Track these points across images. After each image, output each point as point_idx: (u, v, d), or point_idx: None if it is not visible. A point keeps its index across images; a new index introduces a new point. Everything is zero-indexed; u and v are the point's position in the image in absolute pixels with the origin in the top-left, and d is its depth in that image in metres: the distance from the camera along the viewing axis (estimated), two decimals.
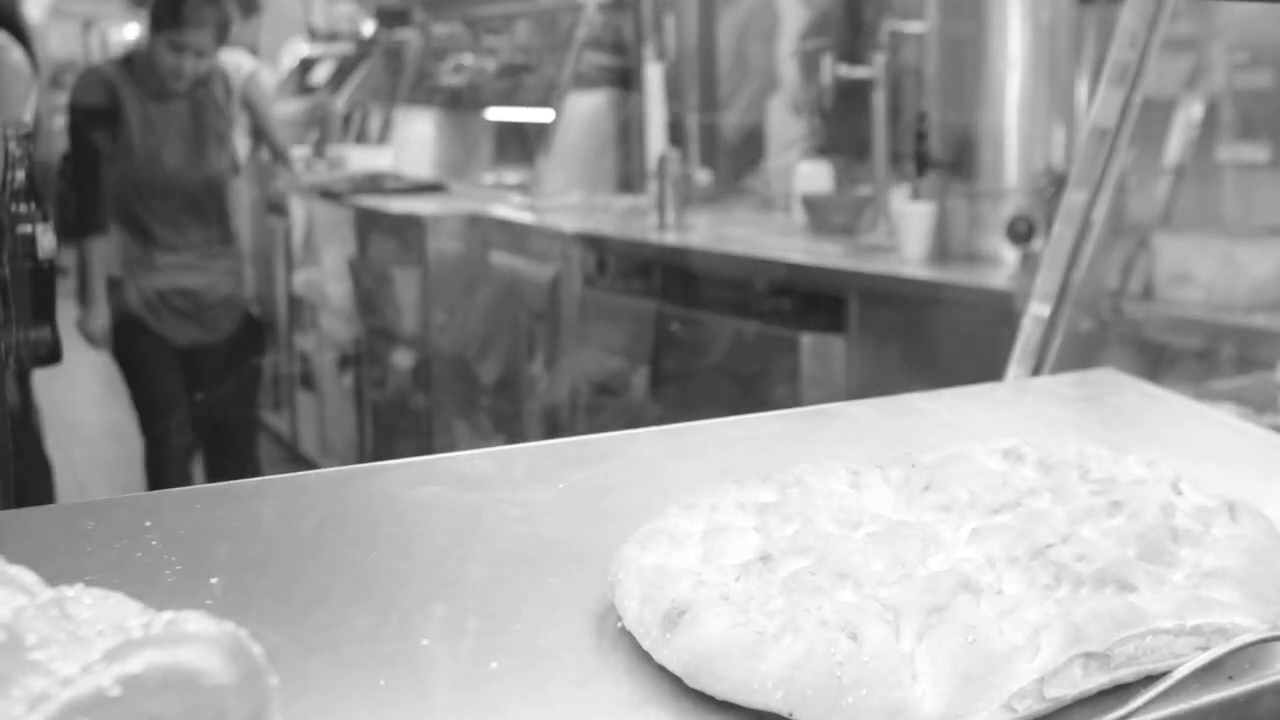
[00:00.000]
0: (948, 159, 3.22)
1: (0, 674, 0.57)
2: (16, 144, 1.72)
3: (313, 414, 5.58)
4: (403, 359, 4.83)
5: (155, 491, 1.04)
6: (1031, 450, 0.98)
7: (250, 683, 0.61)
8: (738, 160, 5.14)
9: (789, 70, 5.10)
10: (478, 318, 4.63)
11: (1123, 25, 2.11)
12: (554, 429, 4.24)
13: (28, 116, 2.65)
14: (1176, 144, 2.62)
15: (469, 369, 4.65)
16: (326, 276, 5.34)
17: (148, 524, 0.97)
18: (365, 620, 0.83)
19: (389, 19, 6.34)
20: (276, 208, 5.56)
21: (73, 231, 3.65)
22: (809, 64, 4.55)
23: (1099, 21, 3.03)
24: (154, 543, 0.94)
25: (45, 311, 1.70)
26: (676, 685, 0.75)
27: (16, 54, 2.48)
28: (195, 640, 0.59)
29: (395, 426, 4.91)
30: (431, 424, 4.71)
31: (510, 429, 4.50)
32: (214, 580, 0.88)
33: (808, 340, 3.23)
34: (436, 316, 4.66)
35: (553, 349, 4.24)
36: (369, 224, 5.09)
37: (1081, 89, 3.14)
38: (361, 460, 5.07)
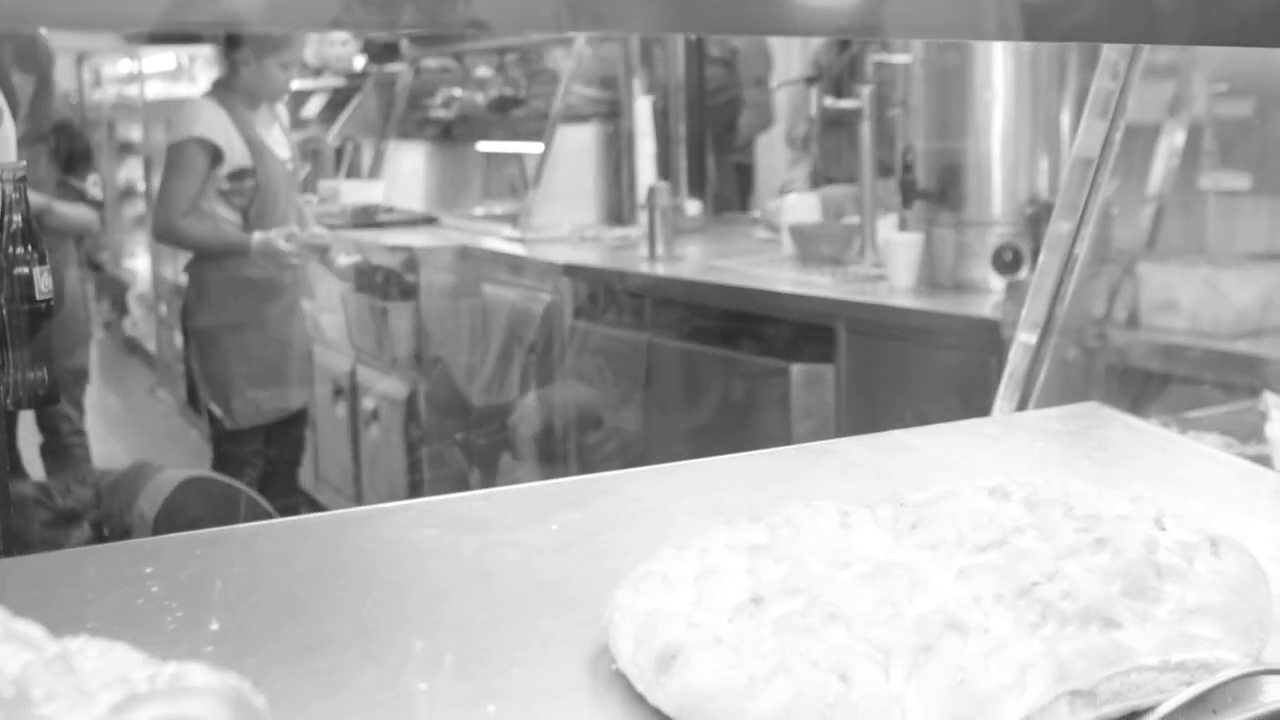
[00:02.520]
0: (934, 189, 3.25)
1: None
2: (12, 187, 1.73)
3: (307, 445, 5.56)
4: (395, 390, 4.84)
5: (155, 537, 1.05)
6: (1017, 488, 0.99)
7: None
8: (727, 191, 5.17)
9: (780, 101, 5.14)
10: (469, 349, 4.65)
11: (1104, 57, 2.13)
12: (546, 460, 4.24)
13: (11, 156, 2.63)
14: (1159, 172, 2.65)
15: (461, 400, 4.67)
16: (319, 308, 5.35)
17: (148, 570, 0.98)
18: (365, 665, 0.84)
19: (379, 53, 6.37)
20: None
21: None
22: (799, 96, 4.60)
23: (1081, 51, 3.06)
24: (154, 589, 0.95)
25: (42, 352, 1.71)
26: None
27: None
28: (199, 693, 0.61)
29: (388, 457, 4.92)
30: (424, 455, 4.72)
31: (502, 460, 4.51)
32: (214, 626, 0.89)
33: (797, 370, 3.25)
34: (429, 348, 4.67)
35: (544, 380, 4.25)
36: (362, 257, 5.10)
37: (1065, 118, 3.17)
38: (355, 490, 5.08)
